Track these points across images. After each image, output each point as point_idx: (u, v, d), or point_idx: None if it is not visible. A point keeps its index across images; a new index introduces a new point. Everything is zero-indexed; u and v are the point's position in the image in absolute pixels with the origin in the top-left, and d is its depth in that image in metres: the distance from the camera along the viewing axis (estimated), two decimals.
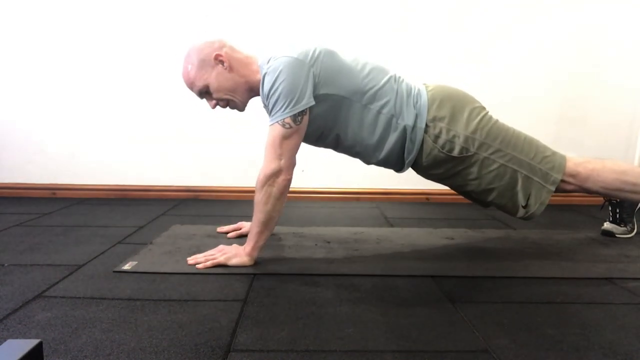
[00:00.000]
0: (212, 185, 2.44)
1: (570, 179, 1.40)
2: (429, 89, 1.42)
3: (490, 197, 1.42)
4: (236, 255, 1.34)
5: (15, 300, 1.10)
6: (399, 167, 1.48)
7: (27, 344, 0.65)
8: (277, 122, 1.29)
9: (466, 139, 1.36)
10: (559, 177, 1.38)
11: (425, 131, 1.37)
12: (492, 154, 1.37)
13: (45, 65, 2.32)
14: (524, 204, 1.40)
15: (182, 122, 2.38)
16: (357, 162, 2.41)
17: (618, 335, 0.97)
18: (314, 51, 1.30)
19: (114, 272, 1.29)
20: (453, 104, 1.39)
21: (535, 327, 1.00)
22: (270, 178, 1.30)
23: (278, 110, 1.29)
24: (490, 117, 1.42)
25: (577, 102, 2.40)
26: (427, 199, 2.46)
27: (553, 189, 1.38)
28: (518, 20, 2.32)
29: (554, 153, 1.43)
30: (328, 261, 1.41)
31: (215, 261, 1.32)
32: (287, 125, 1.28)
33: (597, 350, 0.90)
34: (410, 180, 2.45)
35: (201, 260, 1.34)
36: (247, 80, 1.40)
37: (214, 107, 1.44)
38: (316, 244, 1.58)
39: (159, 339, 0.93)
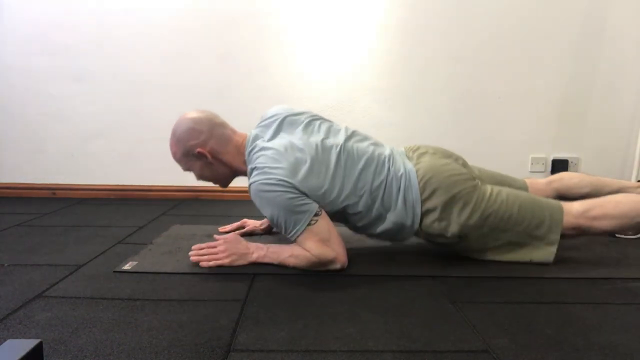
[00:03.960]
0: (212, 185, 2.43)
1: (571, 232, 1.37)
2: (418, 172, 1.34)
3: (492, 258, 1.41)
4: (241, 257, 1.33)
5: (15, 300, 1.10)
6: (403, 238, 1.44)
7: (27, 344, 0.65)
8: (298, 236, 1.25)
9: (460, 227, 1.33)
10: (557, 237, 1.36)
11: (420, 221, 1.34)
12: (487, 232, 1.35)
13: (45, 65, 2.32)
14: (528, 260, 1.39)
15: None
16: None
17: (618, 335, 0.97)
18: (287, 171, 1.25)
19: (114, 272, 1.29)
20: (444, 191, 1.32)
21: (535, 327, 1.00)
22: (327, 264, 1.28)
23: (292, 232, 1.26)
24: (481, 196, 1.34)
25: (577, 102, 2.40)
26: None
27: (554, 249, 1.37)
28: (518, 20, 2.31)
29: (551, 212, 1.35)
30: None
31: (218, 262, 1.32)
32: (313, 222, 1.25)
33: (597, 350, 0.90)
34: None
35: (204, 258, 1.33)
36: (233, 169, 1.43)
37: (198, 179, 1.49)
38: None
39: (159, 339, 0.93)
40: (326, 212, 1.30)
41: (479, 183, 1.39)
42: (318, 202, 1.27)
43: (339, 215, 1.36)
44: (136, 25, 2.29)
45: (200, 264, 1.32)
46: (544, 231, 1.36)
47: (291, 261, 1.30)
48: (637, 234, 1.73)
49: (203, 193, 2.43)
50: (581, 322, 1.03)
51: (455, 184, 1.34)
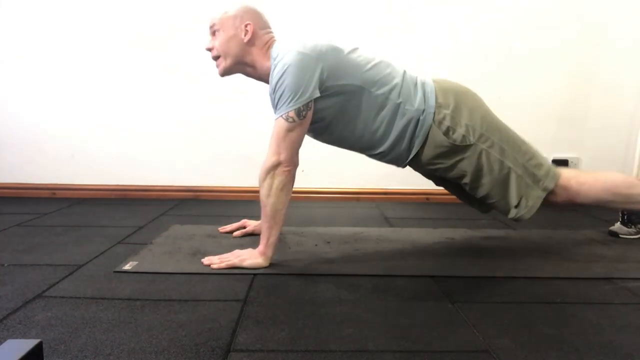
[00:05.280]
0: (212, 185, 2.44)
1: (562, 192, 1.41)
2: (434, 80, 1.46)
3: (483, 192, 1.42)
4: (250, 256, 1.34)
5: (15, 300, 1.10)
6: (403, 158, 1.46)
7: (27, 344, 0.65)
8: (281, 115, 1.31)
9: (467, 127, 1.37)
10: (551, 185, 1.39)
11: (432, 118, 1.39)
12: (490, 147, 1.37)
13: (45, 65, 2.32)
14: (515, 204, 1.39)
15: (182, 122, 2.38)
16: (357, 162, 2.40)
17: (618, 335, 0.97)
18: (322, 46, 1.32)
19: (114, 272, 1.29)
20: (457, 95, 1.42)
21: (535, 327, 1.00)
22: (270, 171, 1.32)
23: (283, 104, 1.30)
24: (492, 113, 1.45)
25: (577, 102, 2.40)
26: (427, 199, 2.46)
27: (543, 195, 1.39)
28: (518, 21, 2.32)
29: (549, 163, 1.45)
30: (328, 261, 1.41)
31: (229, 262, 1.32)
32: (291, 119, 1.30)
33: (597, 350, 0.90)
34: (410, 180, 2.45)
35: (215, 261, 1.34)
36: (253, 60, 1.42)
37: (207, 49, 1.47)
38: (316, 244, 1.58)
39: (159, 339, 0.93)
40: (355, 81, 1.34)
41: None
42: (349, 78, 1.33)
43: (353, 101, 1.37)
44: (135, 25, 2.29)
45: (212, 265, 1.32)
46: (542, 173, 1.39)
47: (264, 212, 1.34)
48: (638, 233, 1.73)
49: (203, 193, 2.43)
50: (581, 322, 1.03)
51: (468, 92, 1.46)
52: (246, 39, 1.39)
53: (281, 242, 1.59)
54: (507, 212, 1.43)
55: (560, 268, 1.37)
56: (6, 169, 2.40)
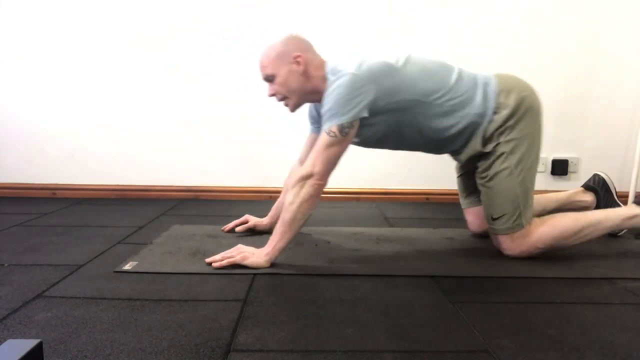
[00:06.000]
0: (212, 185, 2.44)
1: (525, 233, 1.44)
2: (500, 78, 1.46)
3: (483, 189, 1.47)
4: (253, 255, 1.33)
5: (15, 300, 1.10)
6: (456, 153, 1.52)
7: (27, 344, 0.65)
8: (324, 129, 1.33)
9: (505, 129, 1.40)
10: (526, 222, 1.43)
11: (491, 115, 1.41)
12: (512, 155, 1.40)
13: (45, 65, 2.32)
14: (495, 217, 1.44)
15: (182, 122, 2.38)
16: (357, 162, 2.40)
17: (618, 335, 0.97)
18: (376, 68, 1.35)
19: (114, 272, 1.29)
20: (519, 97, 1.42)
21: (535, 327, 1.00)
22: (302, 180, 1.33)
23: (327, 119, 1.33)
24: (538, 131, 1.46)
25: (577, 102, 2.40)
26: (427, 199, 2.46)
27: (523, 226, 1.42)
28: (518, 21, 2.32)
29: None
30: (328, 261, 1.41)
31: (231, 260, 1.32)
32: (332, 134, 1.31)
33: (597, 350, 0.90)
34: (410, 180, 2.46)
35: (218, 258, 1.34)
36: (314, 86, 1.44)
37: (270, 95, 1.48)
38: (316, 244, 1.58)
39: (159, 339, 0.93)
40: (411, 95, 1.37)
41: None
42: (406, 93, 1.36)
43: (409, 112, 1.39)
44: (135, 25, 2.29)
45: (213, 264, 1.32)
46: (529, 214, 1.43)
47: (282, 215, 1.33)
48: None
49: (203, 193, 2.43)
50: (581, 322, 1.03)
51: (532, 98, 1.46)
52: (301, 71, 1.41)
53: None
54: (486, 217, 1.49)
55: (560, 268, 1.37)
56: (6, 169, 2.41)
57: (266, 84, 1.48)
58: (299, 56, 1.40)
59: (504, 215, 1.42)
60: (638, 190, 2.35)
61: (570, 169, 2.43)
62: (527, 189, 1.42)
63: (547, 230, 1.42)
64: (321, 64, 1.44)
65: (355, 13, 2.29)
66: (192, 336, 0.94)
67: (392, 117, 1.40)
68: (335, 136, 1.31)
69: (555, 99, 2.38)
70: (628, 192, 2.33)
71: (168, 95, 2.36)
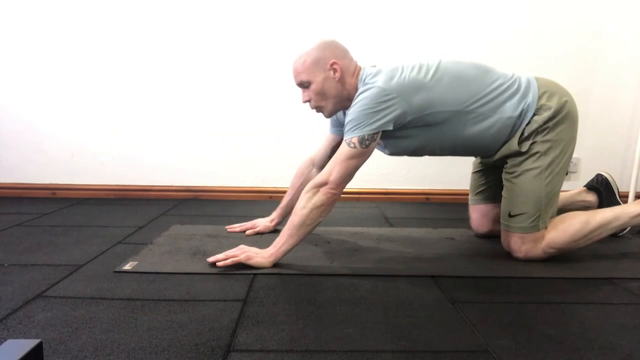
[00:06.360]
0: (212, 185, 2.44)
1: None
2: (541, 80, 1.45)
3: (507, 184, 1.46)
4: (257, 255, 1.33)
5: (15, 300, 1.10)
6: (490, 154, 1.51)
7: (27, 344, 0.65)
8: (345, 140, 1.33)
9: (542, 129, 1.39)
10: (545, 225, 1.42)
11: (532, 117, 1.40)
12: (543, 156, 1.39)
13: (45, 64, 2.32)
14: (514, 214, 1.42)
15: (182, 122, 2.38)
16: None
17: (618, 335, 0.97)
18: (406, 83, 1.33)
19: (114, 272, 1.29)
20: (561, 101, 1.41)
21: (535, 327, 1.00)
22: (317, 187, 1.32)
23: (349, 130, 1.32)
24: (573, 137, 1.45)
25: (577, 102, 2.38)
26: (427, 199, 2.46)
27: (540, 229, 1.41)
28: (518, 21, 2.32)
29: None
30: (328, 261, 1.41)
31: (236, 259, 1.31)
32: (352, 145, 1.31)
33: (597, 350, 0.90)
34: (410, 180, 2.46)
35: (221, 257, 1.33)
36: (350, 93, 1.42)
37: (304, 101, 1.46)
38: (316, 244, 1.58)
39: (159, 339, 0.93)
40: (446, 107, 1.35)
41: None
42: (440, 105, 1.35)
43: (441, 124, 1.38)
44: (136, 25, 2.29)
45: (218, 264, 1.31)
46: (548, 214, 1.42)
47: (291, 219, 1.33)
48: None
49: (203, 193, 2.43)
50: (581, 322, 1.03)
51: (571, 104, 1.44)
52: (337, 78, 1.39)
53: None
54: (503, 213, 1.47)
55: (560, 268, 1.37)
56: (6, 169, 2.41)
57: (299, 89, 1.45)
58: (335, 63, 1.38)
59: (523, 214, 1.40)
60: (638, 190, 2.35)
61: (570, 169, 2.43)
62: (552, 192, 1.40)
63: (557, 235, 1.41)
64: (357, 72, 1.42)
65: (359, 13, 2.29)
66: (192, 336, 0.94)
67: (427, 131, 1.39)
68: (355, 147, 1.30)
69: None
70: (628, 192, 2.33)
71: (168, 95, 2.36)
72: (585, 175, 2.36)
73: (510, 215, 1.43)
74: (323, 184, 1.32)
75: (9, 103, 2.35)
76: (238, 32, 2.29)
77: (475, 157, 1.56)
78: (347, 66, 1.41)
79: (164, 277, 1.26)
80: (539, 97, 1.40)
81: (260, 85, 2.33)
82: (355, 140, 1.30)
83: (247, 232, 1.70)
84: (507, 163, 1.46)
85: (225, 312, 1.05)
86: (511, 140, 1.42)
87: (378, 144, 1.40)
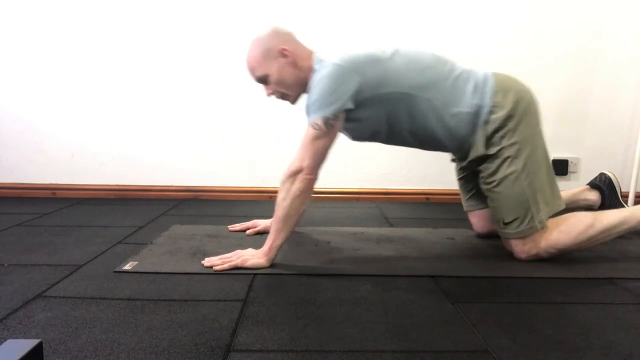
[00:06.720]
0: (212, 185, 2.44)
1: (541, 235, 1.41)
2: (499, 77, 1.43)
3: (491, 195, 1.44)
4: (252, 257, 1.33)
5: (15, 300, 1.10)
6: (461, 157, 1.51)
7: (27, 344, 0.65)
8: (309, 123, 1.32)
9: (506, 132, 1.38)
10: (541, 227, 1.39)
11: (487, 114, 1.39)
12: (516, 159, 1.38)
13: (45, 64, 2.32)
14: (507, 221, 1.41)
15: (182, 122, 2.38)
16: (357, 162, 2.41)
17: (618, 335, 0.97)
18: (361, 58, 1.33)
19: (114, 272, 1.29)
20: (516, 98, 1.39)
21: (535, 327, 1.00)
22: (292, 176, 1.32)
23: (312, 112, 1.32)
24: (538, 129, 1.43)
25: (577, 102, 2.40)
26: (427, 199, 2.46)
27: (538, 228, 1.39)
28: (518, 21, 2.31)
29: (557, 204, 1.43)
30: (328, 261, 1.41)
31: (231, 263, 1.31)
32: (317, 127, 1.30)
33: (597, 350, 0.90)
34: (410, 180, 2.46)
35: (217, 262, 1.33)
36: (305, 76, 1.41)
37: (268, 95, 1.47)
38: (316, 244, 1.58)
39: (159, 339, 0.93)
40: (399, 88, 1.34)
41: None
42: (392, 85, 1.34)
43: (399, 106, 1.37)
44: (136, 25, 2.29)
45: (214, 268, 1.31)
46: (542, 211, 1.38)
47: (276, 214, 1.32)
48: None
49: (203, 193, 2.43)
50: (581, 322, 1.03)
51: (531, 100, 1.42)
52: (290, 62, 1.38)
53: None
54: (496, 222, 1.46)
55: (560, 268, 1.37)
56: (6, 169, 2.41)
57: (262, 86, 1.46)
58: (284, 49, 1.37)
59: (515, 219, 1.39)
60: (638, 190, 2.35)
61: (570, 169, 2.43)
62: (537, 189, 1.38)
63: (559, 236, 1.39)
64: (308, 54, 1.41)
65: (358, 13, 2.29)
66: (192, 336, 0.94)
67: (380, 112, 1.38)
68: (321, 129, 1.30)
69: (555, 99, 2.38)
70: (628, 192, 2.33)
71: (168, 96, 2.36)
72: (585, 175, 2.36)
73: (504, 223, 1.42)
74: (298, 172, 1.31)
75: (9, 103, 2.35)
76: (238, 32, 2.29)
77: (442, 151, 1.53)
78: (295, 49, 1.40)
79: (164, 277, 1.26)
80: (494, 94, 1.38)
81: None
82: (319, 121, 1.30)
83: (248, 231, 1.70)
84: (481, 171, 1.46)
85: (225, 312, 1.05)
86: (474, 142, 1.41)
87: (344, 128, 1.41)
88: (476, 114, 1.39)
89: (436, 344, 0.92)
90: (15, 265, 1.34)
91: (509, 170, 1.38)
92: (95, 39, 2.30)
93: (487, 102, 1.38)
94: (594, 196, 1.77)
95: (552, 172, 1.44)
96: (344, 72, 1.30)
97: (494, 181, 1.42)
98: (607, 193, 1.76)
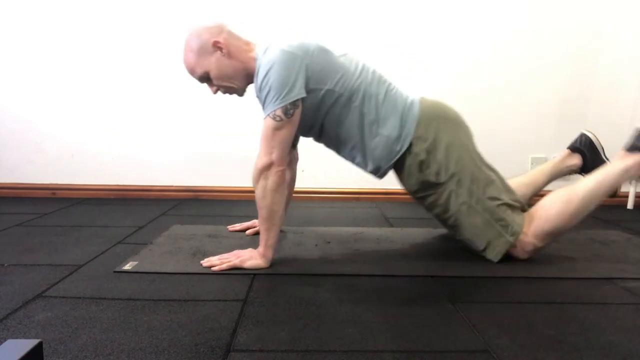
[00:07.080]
0: (212, 185, 2.44)
1: (527, 228, 1.37)
2: (424, 104, 1.41)
3: (452, 230, 1.45)
4: (251, 257, 1.33)
5: (15, 300, 1.10)
6: (376, 174, 1.48)
7: (27, 344, 0.65)
8: (268, 114, 1.30)
9: (440, 167, 1.36)
10: (519, 230, 1.36)
11: (408, 147, 1.38)
12: (459, 188, 1.37)
13: (45, 65, 2.32)
14: (482, 248, 1.40)
15: (182, 122, 2.38)
16: None
17: (618, 335, 0.97)
18: (309, 45, 1.32)
19: (114, 272, 1.29)
20: (439, 126, 1.38)
21: (535, 327, 1.00)
22: (263, 172, 1.30)
23: (269, 103, 1.29)
24: (471, 148, 1.42)
25: (577, 102, 2.40)
26: None
27: (512, 240, 1.37)
28: (519, 22, 2.31)
29: (519, 203, 1.41)
30: (328, 261, 1.41)
31: (230, 264, 1.31)
32: (278, 118, 1.29)
33: (597, 350, 0.90)
34: None
35: (216, 262, 1.33)
36: (245, 66, 1.38)
37: (215, 92, 1.44)
38: (316, 244, 1.58)
39: (159, 339, 0.93)
40: (336, 87, 1.33)
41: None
42: (331, 83, 1.32)
43: (337, 108, 1.36)
44: (136, 26, 2.29)
45: (212, 268, 1.31)
46: (510, 219, 1.37)
47: (260, 214, 1.32)
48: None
49: (203, 193, 2.43)
50: (581, 322, 1.03)
51: (455, 125, 1.42)
52: (226, 53, 1.35)
53: (281, 241, 1.59)
54: (476, 251, 1.44)
55: (560, 268, 1.37)
56: (6, 169, 2.41)
57: (205, 85, 1.43)
58: (216, 42, 1.33)
59: (489, 243, 1.38)
60: (638, 190, 2.35)
61: None
62: (492, 208, 1.36)
63: (539, 223, 1.36)
64: (246, 44, 1.39)
65: (358, 13, 2.29)
66: (192, 336, 0.94)
67: (324, 108, 1.36)
68: (281, 119, 1.28)
69: (555, 99, 2.38)
70: (628, 192, 2.33)
71: (168, 96, 2.35)
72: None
73: (481, 250, 1.41)
74: (269, 166, 1.30)
75: (9, 103, 2.35)
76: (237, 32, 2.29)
77: (360, 168, 1.50)
78: (229, 39, 1.36)
79: (164, 277, 1.26)
80: (417, 125, 1.37)
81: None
82: (279, 112, 1.27)
83: (247, 231, 1.70)
84: (434, 209, 1.43)
85: (225, 312, 1.05)
86: (405, 167, 1.39)
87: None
88: (397, 139, 1.37)
89: (436, 344, 0.92)
90: (15, 265, 1.34)
91: (458, 202, 1.38)
92: (95, 39, 2.30)
93: (410, 132, 1.37)
94: (576, 160, 1.70)
95: (497, 173, 1.43)
96: (295, 58, 1.27)
97: (450, 217, 1.41)
98: (589, 155, 1.70)
